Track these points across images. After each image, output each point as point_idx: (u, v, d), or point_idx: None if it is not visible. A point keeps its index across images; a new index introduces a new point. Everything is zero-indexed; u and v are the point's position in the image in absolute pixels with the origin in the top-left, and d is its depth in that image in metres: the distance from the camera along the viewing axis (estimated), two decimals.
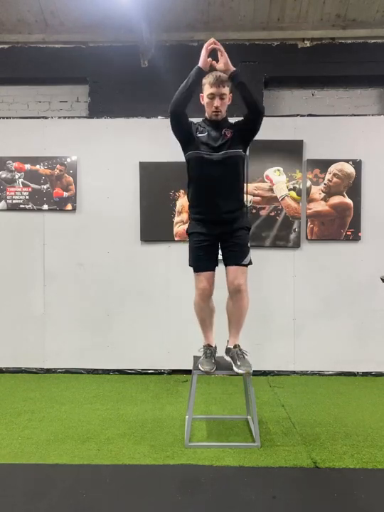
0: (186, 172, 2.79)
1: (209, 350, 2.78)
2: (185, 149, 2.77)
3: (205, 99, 2.72)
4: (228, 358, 2.73)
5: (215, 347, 2.84)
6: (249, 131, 2.74)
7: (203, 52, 2.70)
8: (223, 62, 2.65)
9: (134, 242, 4.23)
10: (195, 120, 2.79)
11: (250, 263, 2.73)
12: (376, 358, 4.16)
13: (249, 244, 2.74)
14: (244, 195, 2.82)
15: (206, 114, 2.77)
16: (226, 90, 2.69)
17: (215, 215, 2.68)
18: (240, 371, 2.57)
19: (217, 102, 2.67)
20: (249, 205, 4.14)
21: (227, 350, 2.76)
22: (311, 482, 2.30)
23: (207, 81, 2.69)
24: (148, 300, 4.20)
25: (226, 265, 2.73)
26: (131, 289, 4.23)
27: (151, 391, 3.74)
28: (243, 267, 2.70)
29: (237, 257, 2.69)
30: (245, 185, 2.87)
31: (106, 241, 4.24)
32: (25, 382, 3.98)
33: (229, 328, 2.79)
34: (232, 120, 2.79)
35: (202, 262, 2.72)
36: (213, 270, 2.74)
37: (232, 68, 2.65)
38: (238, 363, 2.61)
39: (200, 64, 2.69)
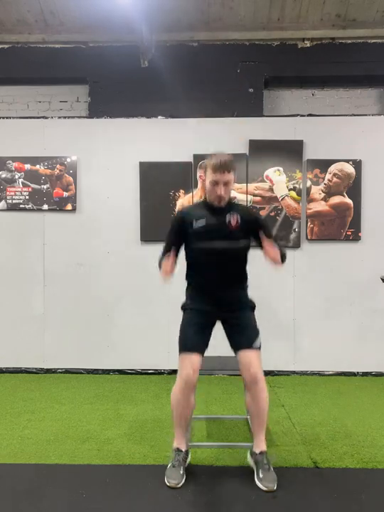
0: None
1: (178, 456, 2.33)
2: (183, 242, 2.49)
3: (206, 183, 2.40)
4: (251, 462, 2.36)
5: (186, 452, 2.39)
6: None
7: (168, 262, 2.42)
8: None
9: (134, 242, 4.23)
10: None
11: (260, 347, 2.41)
12: (376, 358, 4.15)
13: (258, 327, 2.46)
14: (247, 280, 2.54)
15: (207, 198, 2.44)
16: (232, 176, 2.35)
17: (214, 304, 2.42)
18: (261, 486, 2.21)
19: (221, 190, 2.33)
20: (249, 205, 4.14)
21: (252, 453, 2.37)
22: (311, 482, 2.30)
23: (209, 164, 2.38)
24: (148, 300, 4.20)
25: (236, 351, 2.39)
26: (131, 289, 4.23)
27: (151, 391, 3.74)
28: (256, 351, 2.38)
29: (247, 340, 2.38)
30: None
31: (106, 241, 4.24)
32: (25, 382, 3.98)
33: (252, 427, 2.41)
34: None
35: (190, 340, 2.36)
36: (202, 354, 2.36)
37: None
38: (261, 476, 2.24)
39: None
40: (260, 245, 2.41)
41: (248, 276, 2.55)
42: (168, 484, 2.24)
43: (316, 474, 2.37)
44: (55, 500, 2.14)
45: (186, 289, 2.55)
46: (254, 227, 2.41)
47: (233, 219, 2.38)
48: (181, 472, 2.29)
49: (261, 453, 2.33)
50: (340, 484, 2.28)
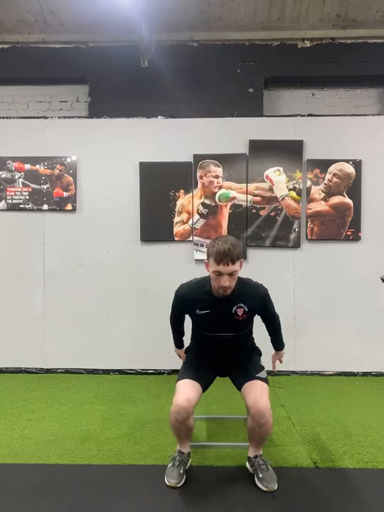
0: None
1: (179, 457, 2.35)
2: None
3: (210, 272, 2.25)
4: (249, 468, 2.36)
5: (188, 454, 2.41)
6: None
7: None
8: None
9: (134, 242, 4.23)
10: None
11: (266, 379, 2.36)
12: (376, 358, 4.15)
13: (262, 364, 2.45)
14: (253, 340, 2.59)
15: (212, 287, 2.29)
16: (237, 266, 2.18)
17: (216, 365, 2.49)
18: (262, 487, 2.21)
19: (225, 281, 2.18)
20: (249, 205, 4.14)
21: (248, 459, 2.37)
22: (311, 482, 2.30)
23: (212, 253, 2.19)
24: (148, 300, 4.20)
25: (241, 386, 2.34)
26: (131, 289, 4.23)
27: (151, 391, 3.74)
28: (262, 382, 2.29)
29: (251, 370, 2.36)
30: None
31: (106, 241, 4.24)
32: (25, 382, 3.98)
33: (249, 441, 2.37)
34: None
35: (190, 373, 2.37)
36: (199, 384, 2.32)
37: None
38: (260, 476, 2.25)
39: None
40: (264, 321, 2.56)
41: (253, 338, 2.62)
42: (167, 484, 2.26)
43: (316, 474, 2.37)
44: (55, 500, 2.14)
45: (190, 344, 2.62)
46: (261, 311, 2.45)
47: (240, 310, 2.31)
48: (181, 472, 2.30)
49: (256, 456, 2.34)
50: (340, 484, 2.28)
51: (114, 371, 4.23)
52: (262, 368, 2.41)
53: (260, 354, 2.56)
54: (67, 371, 4.25)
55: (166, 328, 4.17)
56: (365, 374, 4.16)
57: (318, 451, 2.62)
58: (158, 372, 4.21)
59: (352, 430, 2.93)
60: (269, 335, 2.61)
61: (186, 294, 2.39)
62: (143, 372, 4.21)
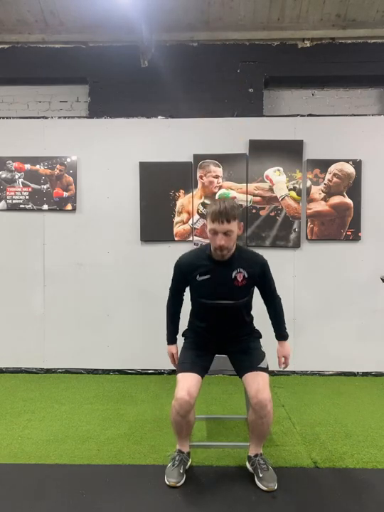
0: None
1: (179, 456, 2.35)
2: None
3: (207, 231, 2.26)
4: (249, 467, 2.35)
5: (188, 453, 2.40)
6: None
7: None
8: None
9: (134, 242, 4.23)
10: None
11: (267, 369, 2.34)
12: (376, 358, 4.15)
13: (262, 349, 2.42)
14: (251, 315, 2.52)
15: (212, 250, 2.29)
16: (233, 225, 2.16)
17: (215, 340, 2.44)
18: (262, 486, 2.20)
19: (221, 240, 2.17)
20: (249, 205, 4.14)
21: (249, 458, 2.37)
22: (311, 482, 2.30)
23: (209, 212, 2.22)
24: (148, 300, 4.20)
25: (242, 375, 2.32)
26: (131, 289, 4.23)
27: (151, 391, 3.74)
28: (263, 372, 2.28)
29: (251, 362, 2.30)
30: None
31: (106, 241, 4.24)
32: (25, 382, 3.98)
33: (250, 437, 2.37)
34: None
35: (188, 363, 2.33)
36: (200, 376, 2.30)
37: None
38: (260, 475, 2.24)
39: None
40: (263, 296, 2.49)
41: (251, 312, 2.55)
42: (167, 483, 2.25)
43: (316, 474, 2.37)
44: (55, 500, 2.14)
45: (189, 322, 2.56)
46: (261, 280, 2.38)
47: (240, 275, 2.27)
48: (181, 471, 2.30)
49: (256, 455, 2.34)
50: (340, 484, 2.28)
51: (114, 371, 4.23)
52: (264, 355, 2.38)
53: (260, 336, 2.54)
54: (67, 371, 4.25)
55: (166, 328, 4.18)
56: (365, 374, 4.16)
57: (318, 451, 2.62)
58: (158, 372, 4.21)
59: (352, 430, 2.93)
60: (270, 319, 2.53)
61: (187, 260, 2.38)
62: (143, 372, 4.21)
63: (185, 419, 2.25)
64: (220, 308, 2.33)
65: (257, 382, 2.22)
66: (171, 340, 2.59)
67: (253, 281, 2.35)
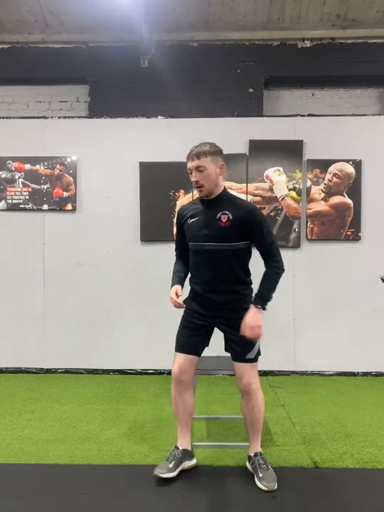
0: None
1: (173, 451, 2.36)
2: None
3: None
4: (249, 466, 2.34)
5: (185, 451, 2.37)
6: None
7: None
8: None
9: (134, 242, 4.23)
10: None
11: (259, 354, 2.31)
12: (376, 358, 4.15)
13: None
14: (247, 282, 2.37)
15: None
16: (204, 161, 2.19)
17: (208, 307, 2.32)
18: (262, 487, 2.19)
19: (194, 177, 2.22)
20: None
21: (249, 458, 2.36)
22: (311, 482, 2.30)
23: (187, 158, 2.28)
24: (148, 300, 4.20)
25: (232, 360, 2.34)
26: (131, 289, 4.23)
27: (151, 391, 3.74)
28: (249, 363, 2.28)
29: (239, 350, 2.27)
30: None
31: (106, 241, 4.24)
32: (25, 382, 3.98)
33: (247, 431, 2.42)
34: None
35: (181, 340, 2.36)
36: (192, 354, 2.33)
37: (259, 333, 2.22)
38: (260, 476, 2.23)
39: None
40: (260, 253, 2.35)
41: (249, 279, 2.38)
42: (154, 473, 2.26)
43: (316, 474, 2.37)
44: (55, 500, 2.14)
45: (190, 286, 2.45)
46: (249, 227, 2.23)
47: (224, 216, 2.22)
48: (170, 465, 2.29)
49: (256, 454, 2.34)
50: (340, 484, 2.28)
51: (114, 371, 4.23)
52: (253, 342, 2.26)
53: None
54: (67, 371, 4.25)
55: (166, 328, 4.18)
56: (365, 374, 4.16)
57: (318, 451, 2.62)
58: (158, 373, 4.21)
59: (352, 430, 2.93)
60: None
61: (183, 207, 2.45)
62: (143, 373, 4.21)
63: (181, 397, 2.35)
64: (207, 253, 2.26)
65: (242, 370, 2.28)
66: (175, 279, 2.43)
67: (239, 226, 2.21)
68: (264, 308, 2.26)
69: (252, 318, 2.19)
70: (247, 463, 2.39)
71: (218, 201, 2.28)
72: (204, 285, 2.32)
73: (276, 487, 2.20)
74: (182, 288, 2.42)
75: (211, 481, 2.30)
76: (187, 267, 2.44)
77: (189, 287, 2.41)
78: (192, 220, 2.32)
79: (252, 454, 2.35)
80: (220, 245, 2.24)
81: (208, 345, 2.39)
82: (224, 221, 2.22)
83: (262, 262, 2.41)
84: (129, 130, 4.23)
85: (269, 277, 2.35)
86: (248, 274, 2.38)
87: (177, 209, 4.15)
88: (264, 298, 2.28)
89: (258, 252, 2.37)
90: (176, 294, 2.34)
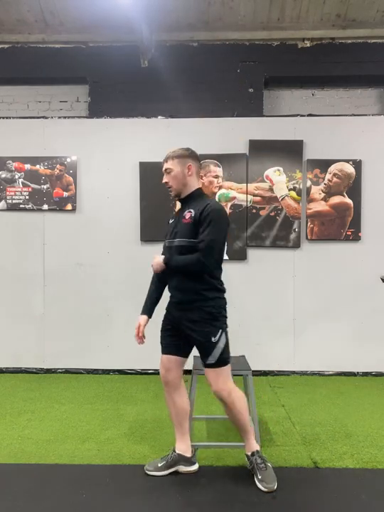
0: None
1: (170, 453, 2.38)
2: None
3: None
4: (249, 466, 2.32)
5: (179, 455, 2.36)
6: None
7: None
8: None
9: (134, 242, 4.23)
10: None
11: (223, 360, 2.23)
12: (376, 358, 4.15)
13: (216, 339, 2.20)
14: (211, 283, 2.25)
15: None
16: (171, 164, 2.33)
17: (174, 308, 2.38)
18: (262, 488, 2.19)
19: (164, 179, 2.39)
20: (249, 205, 4.14)
21: (247, 458, 2.34)
22: (311, 482, 2.30)
23: None
24: None
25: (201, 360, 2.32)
26: (131, 289, 4.22)
27: (151, 391, 3.74)
28: (211, 368, 2.24)
29: (201, 355, 2.26)
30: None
31: (106, 241, 4.24)
32: (25, 382, 3.98)
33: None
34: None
35: (162, 343, 2.47)
36: (174, 355, 2.37)
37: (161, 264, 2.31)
38: (260, 477, 2.23)
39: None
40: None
41: (214, 282, 2.26)
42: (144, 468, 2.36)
43: (316, 474, 2.37)
44: (55, 500, 2.14)
45: None
46: (200, 221, 2.20)
47: (188, 213, 2.26)
48: (160, 465, 2.35)
49: (253, 454, 2.32)
50: (340, 484, 2.28)
51: (114, 371, 4.23)
52: (213, 346, 2.20)
53: (215, 317, 2.24)
54: (67, 371, 4.25)
55: None
56: (365, 374, 4.16)
57: (318, 451, 2.62)
58: (158, 372, 4.19)
59: (352, 430, 2.93)
60: None
61: (172, 215, 2.57)
62: (143, 372, 4.21)
63: (171, 398, 2.41)
64: (174, 250, 2.30)
65: (208, 377, 2.28)
66: (143, 309, 2.60)
67: (197, 222, 2.22)
68: (165, 263, 2.30)
69: (157, 258, 2.35)
70: (247, 462, 2.38)
71: (188, 200, 2.35)
72: (170, 282, 2.38)
73: (275, 487, 2.20)
74: (150, 316, 2.53)
75: (211, 481, 2.30)
76: (164, 281, 2.47)
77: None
78: (171, 221, 2.46)
79: (249, 454, 2.34)
80: (182, 241, 2.26)
81: (190, 345, 2.37)
82: (187, 218, 2.26)
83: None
84: (129, 130, 4.23)
85: (188, 257, 2.22)
86: (214, 276, 2.27)
87: (177, 209, 4.17)
88: (172, 261, 2.29)
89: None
90: (139, 328, 2.52)
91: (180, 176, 2.34)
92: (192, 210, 2.26)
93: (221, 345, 2.23)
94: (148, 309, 2.56)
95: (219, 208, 2.26)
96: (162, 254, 2.46)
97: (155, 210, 4.17)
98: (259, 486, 2.22)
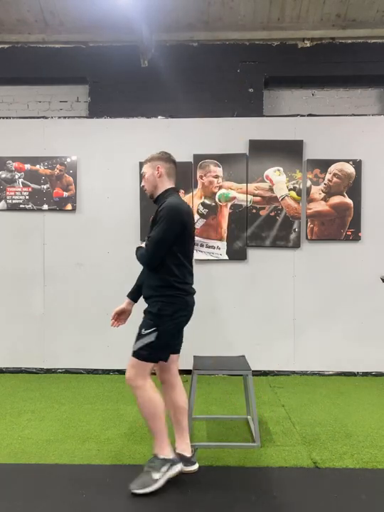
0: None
1: (167, 461, 2.26)
2: None
3: None
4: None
5: (178, 454, 2.34)
6: None
7: None
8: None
9: (134, 242, 4.22)
10: None
11: (139, 357, 2.28)
12: (376, 358, 4.15)
13: (145, 332, 2.31)
14: (170, 282, 2.31)
15: None
16: (144, 168, 2.49)
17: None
18: (130, 485, 2.16)
19: (141, 182, 2.55)
20: (249, 205, 4.14)
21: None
22: (311, 482, 2.30)
23: None
24: None
25: None
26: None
27: None
28: (132, 356, 2.31)
29: (136, 338, 2.35)
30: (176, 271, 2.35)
31: (106, 241, 4.24)
32: (25, 382, 3.98)
33: None
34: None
35: None
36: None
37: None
38: (137, 477, 2.20)
39: None
40: None
41: (173, 280, 2.31)
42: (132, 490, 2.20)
43: (316, 474, 2.37)
44: (55, 500, 2.14)
45: None
46: (157, 220, 2.34)
47: (153, 214, 2.43)
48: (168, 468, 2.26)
49: (154, 456, 2.26)
50: (340, 484, 2.28)
51: (114, 371, 4.23)
52: (140, 337, 2.33)
53: (156, 313, 2.32)
54: (67, 371, 4.25)
55: None
56: (365, 374, 4.16)
57: (318, 451, 2.62)
58: None
59: (352, 430, 2.93)
60: None
61: None
62: None
63: (169, 395, 2.40)
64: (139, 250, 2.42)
65: (127, 364, 2.33)
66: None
67: (155, 220, 2.38)
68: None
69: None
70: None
71: (158, 200, 2.48)
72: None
73: (138, 492, 2.12)
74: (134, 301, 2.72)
75: (211, 481, 2.30)
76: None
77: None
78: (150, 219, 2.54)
79: (153, 454, 2.28)
80: (146, 239, 2.39)
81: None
82: (151, 219, 2.43)
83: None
84: (129, 130, 4.23)
85: (140, 252, 2.43)
86: (171, 273, 2.31)
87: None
88: (136, 253, 2.47)
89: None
90: (117, 312, 2.71)
91: (151, 178, 2.48)
92: (156, 212, 2.39)
93: (146, 340, 2.28)
94: (131, 292, 2.72)
95: (172, 207, 2.32)
96: None
97: (155, 210, 4.16)
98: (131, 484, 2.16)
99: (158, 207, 2.41)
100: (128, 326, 4.23)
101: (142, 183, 2.53)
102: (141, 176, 2.53)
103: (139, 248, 2.43)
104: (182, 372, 4.11)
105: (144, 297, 2.48)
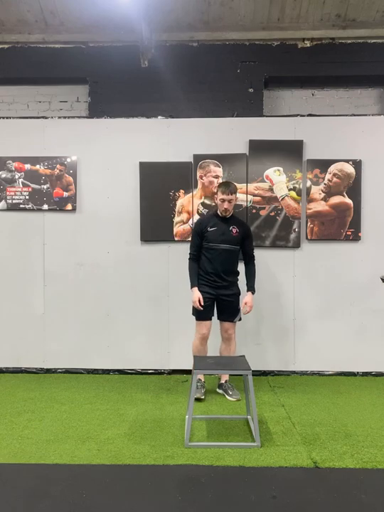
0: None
1: (199, 383, 3.56)
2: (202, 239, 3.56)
3: (217, 200, 3.51)
4: (221, 391, 3.64)
5: (203, 382, 3.64)
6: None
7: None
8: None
9: (134, 242, 4.23)
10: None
11: (239, 319, 3.62)
12: (376, 358, 4.15)
13: (239, 308, 3.56)
14: (238, 274, 3.62)
15: (218, 210, 3.56)
16: (234, 197, 3.45)
17: (214, 287, 3.51)
18: (231, 399, 3.51)
19: (226, 205, 3.44)
20: (249, 205, 4.14)
21: (219, 386, 3.67)
22: (311, 482, 2.30)
23: (220, 189, 3.46)
24: (148, 300, 4.21)
25: (222, 320, 3.58)
26: (131, 289, 4.23)
27: (151, 391, 3.74)
28: (234, 323, 3.59)
29: (230, 312, 3.55)
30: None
31: (106, 241, 4.24)
32: (25, 382, 3.99)
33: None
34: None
35: (202, 313, 3.48)
36: (210, 320, 3.55)
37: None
38: (230, 393, 3.55)
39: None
40: (243, 254, 3.62)
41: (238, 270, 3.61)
42: (194, 397, 3.05)
43: (316, 474, 2.37)
44: (55, 500, 2.14)
45: (198, 276, 3.55)
46: (244, 237, 3.56)
47: (234, 229, 3.51)
48: (203, 391, 3.53)
49: (226, 381, 3.67)
50: (340, 484, 2.28)
51: (114, 371, 4.23)
52: (238, 311, 3.58)
53: (239, 293, 3.61)
54: (67, 371, 4.25)
55: (166, 328, 4.19)
56: (365, 374, 4.16)
57: (318, 451, 2.62)
58: (158, 372, 4.21)
59: (352, 430, 2.93)
60: (246, 274, 3.60)
61: (203, 219, 3.69)
62: (143, 372, 4.21)
63: (204, 347, 3.56)
64: (222, 250, 3.49)
65: (228, 329, 3.57)
66: (195, 281, 3.52)
67: (241, 236, 3.54)
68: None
69: (251, 300, 3.53)
70: (218, 388, 3.66)
71: (230, 219, 3.61)
72: (217, 271, 3.53)
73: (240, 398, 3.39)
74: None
75: (211, 481, 2.30)
76: (199, 261, 3.61)
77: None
78: (212, 229, 3.53)
79: (223, 382, 3.63)
80: (232, 247, 3.59)
81: (213, 315, 3.58)
82: (234, 232, 3.58)
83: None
84: (129, 130, 4.23)
85: (253, 273, 3.68)
86: (237, 268, 3.69)
87: (177, 209, 4.18)
88: (254, 288, 3.59)
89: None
90: (199, 299, 3.46)
91: (233, 203, 3.53)
92: (235, 227, 3.53)
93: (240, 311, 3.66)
94: (197, 282, 3.57)
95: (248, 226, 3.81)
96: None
97: (155, 210, 4.18)
98: (230, 398, 3.50)
99: (234, 222, 3.55)
100: (128, 326, 4.24)
101: (226, 206, 3.44)
102: (230, 201, 3.44)
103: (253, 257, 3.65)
104: (182, 372, 4.14)
105: (226, 286, 3.55)
